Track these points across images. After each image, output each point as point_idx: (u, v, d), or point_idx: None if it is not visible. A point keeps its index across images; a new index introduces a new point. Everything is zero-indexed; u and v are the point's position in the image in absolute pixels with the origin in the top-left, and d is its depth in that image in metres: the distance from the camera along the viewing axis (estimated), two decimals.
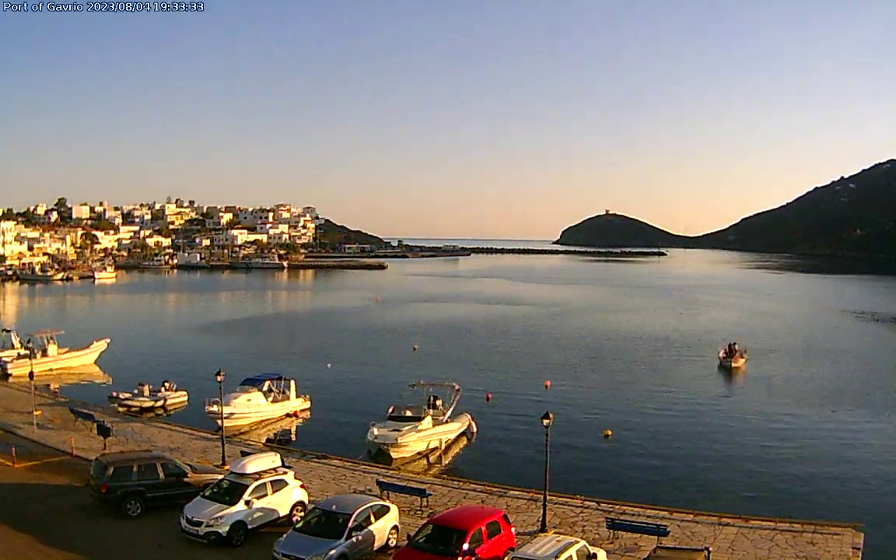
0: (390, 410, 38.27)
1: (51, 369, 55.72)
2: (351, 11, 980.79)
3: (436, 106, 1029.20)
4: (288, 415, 44.47)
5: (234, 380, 43.73)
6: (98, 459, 26.24)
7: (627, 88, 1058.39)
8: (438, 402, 40.54)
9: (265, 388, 44.41)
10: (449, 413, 39.87)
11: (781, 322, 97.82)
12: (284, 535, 21.38)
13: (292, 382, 45.70)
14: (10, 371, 52.91)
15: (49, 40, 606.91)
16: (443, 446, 37.49)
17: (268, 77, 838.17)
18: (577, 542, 20.21)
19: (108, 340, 62.13)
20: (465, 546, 19.74)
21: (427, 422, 37.28)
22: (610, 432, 40.67)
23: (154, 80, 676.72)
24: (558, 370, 59.81)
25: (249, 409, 42.66)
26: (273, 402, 44.22)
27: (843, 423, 44.39)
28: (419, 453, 36.46)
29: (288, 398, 44.96)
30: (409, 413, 37.76)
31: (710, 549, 21.84)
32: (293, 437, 40.70)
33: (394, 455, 35.03)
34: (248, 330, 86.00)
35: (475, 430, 40.55)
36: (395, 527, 23.15)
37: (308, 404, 45.66)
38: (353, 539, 21.06)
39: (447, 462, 36.42)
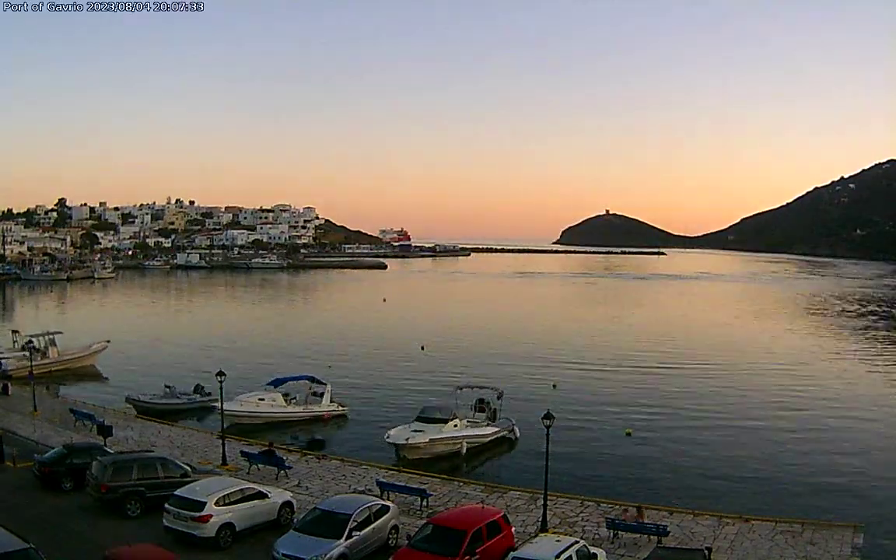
0: (420, 411, 37.88)
1: (51, 370, 55.66)
2: (351, 11, 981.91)
3: (435, 106, 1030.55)
4: (323, 418, 43.38)
5: (234, 381, 43.72)
6: (98, 459, 26.27)
7: (627, 88, 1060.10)
8: (486, 405, 40.27)
9: (284, 391, 43.87)
10: (496, 417, 39.46)
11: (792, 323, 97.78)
12: (284, 536, 21.38)
13: (327, 387, 44.85)
14: (10, 372, 52.79)
15: (49, 40, 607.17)
16: (464, 451, 36.58)
17: (267, 77, 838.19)
18: (577, 542, 20.18)
19: (108, 341, 62.15)
20: (465, 546, 19.71)
21: (452, 425, 36.44)
22: (631, 431, 40.73)
23: (154, 80, 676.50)
24: (564, 370, 59.80)
25: (260, 409, 41.98)
26: (296, 404, 43.66)
27: (844, 423, 44.37)
28: (439, 457, 35.56)
29: (319, 402, 44.03)
30: (436, 415, 37.01)
31: (711, 548, 21.83)
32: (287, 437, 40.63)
33: (409, 457, 34.59)
34: (248, 330, 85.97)
35: (518, 435, 39.05)
36: (395, 527, 23.12)
37: (343, 410, 44.51)
38: (353, 539, 21.03)
39: (454, 463, 35.97)
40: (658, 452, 37.89)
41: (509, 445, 38.77)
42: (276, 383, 44.11)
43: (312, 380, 46.02)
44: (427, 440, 35.36)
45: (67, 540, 22.84)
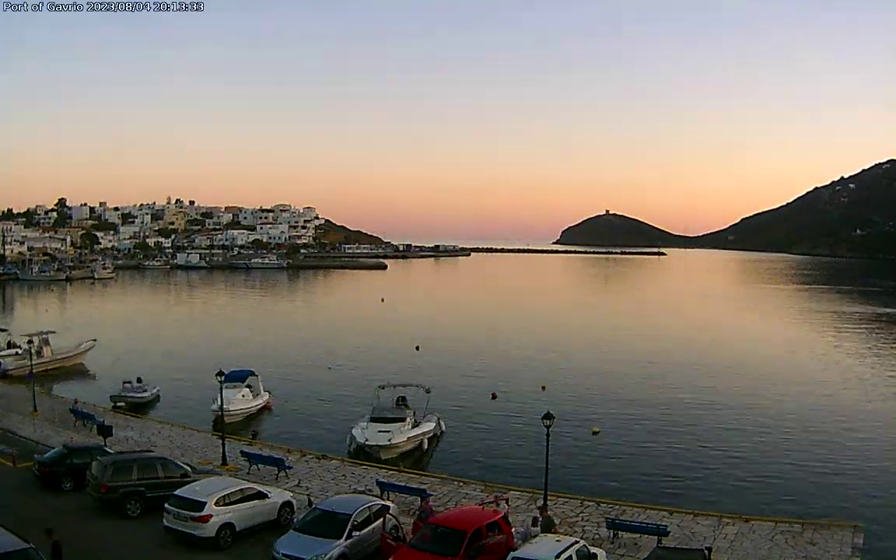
0: (371, 411, 38.65)
1: (45, 370, 55.62)
2: (350, 12, 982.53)
3: (435, 105, 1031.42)
4: (268, 408, 46.18)
5: (206, 376, 44.04)
6: (98, 459, 26.26)
7: (628, 88, 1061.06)
8: (406, 403, 40.94)
9: (246, 384, 45.54)
10: (421, 415, 39.88)
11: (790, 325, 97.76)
12: (284, 536, 21.36)
13: (258, 377, 47.20)
14: (9, 372, 52.75)
15: (49, 40, 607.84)
16: (426, 446, 37.69)
17: (268, 77, 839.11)
18: (577, 542, 20.16)
19: (94, 340, 62.41)
20: (465, 547, 19.69)
21: (408, 423, 37.63)
22: (598, 430, 40.90)
23: (154, 80, 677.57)
24: (559, 370, 59.73)
25: (241, 405, 43.69)
26: (254, 397, 45.59)
27: (844, 423, 44.35)
28: (404, 453, 36.32)
29: (259, 393, 46.34)
30: (391, 415, 38.11)
31: (710, 548, 21.82)
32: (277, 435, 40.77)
33: (383, 456, 34.96)
34: (247, 331, 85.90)
35: (443, 428, 40.58)
36: (395, 527, 23.11)
37: (270, 398, 47.06)
38: (353, 539, 21.01)
39: (452, 463, 36.12)
40: (658, 452, 37.84)
41: (437, 439, 39.85)
42: (233, 377, 44.60)
43: (251, 373, 47.38)
44: (405, 439, 36.23)
45: (67, 540, 22.80)
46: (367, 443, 35.74)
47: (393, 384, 42.80)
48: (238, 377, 45.14)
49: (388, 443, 35.33)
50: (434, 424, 39.70)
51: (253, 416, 44.59)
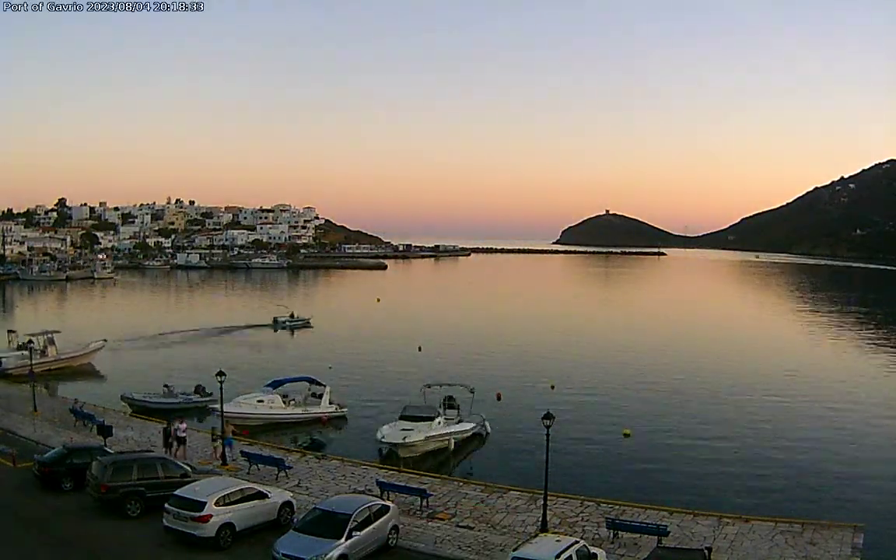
0: (402, 410, 38.38)
1: (49, 370, 55.56)
2: (351, 11, 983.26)
3: (436, 106, 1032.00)
4: (321, 420, 43.48)
5: (237, 382, 43.57)
6: (98, 459, 26.25)
7: (628, 88, 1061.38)
8: (454, 403, 40.79)
9: (283, 392, 43.99)
10: (465, 414, 39.87)
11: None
12: (284, 536, 21.35)
13: (326, 388, 44.94)
14: (10, 371, 52.65)
15: (49, 40, 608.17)
16: (452, 447, 37.35)
17: (268, 77, 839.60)
18: (577, 542, 20.17)
19: (104, 341, 62.22)
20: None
21: (437, 423, 37.17)
22: (630, 431, 40.85)
23: (154, 80, 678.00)
24: (562, 371, 59.69)
25: (260, 410, 42.05)
26: (295, 406, 43.77)
27: (844, 423, 44.36)
28: (428, 453, 36.21)
29: (318, 403, 44.18)
30: (420, 414, 37.75)
31: (710, 548, 21.82)
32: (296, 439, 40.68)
33: (402, 455, 34.90)
34: (248, 331, 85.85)
35: (489, 430, 40.35)
36: (395, 527, 23.12)
37: (343, 411, 44.47)
38: (353, 539, 21.01)
39: (454, 463, 36.28)
40: (658, 452, 37.90)
41: (481, 441, 39.59)
42: (275, 384, 44.17)
43: (311, 381, 46.07)
44: (423, 438, 35.93)
45: (67, 540, 22.83)
46: (382, 439, 35.81)
47: (439, 383, 42.70)
48: (274, 384, 44.06)
49: (403, 441, 35.25)
50: (474, 425, 39.46)
51: (293, 425, 42.66)
